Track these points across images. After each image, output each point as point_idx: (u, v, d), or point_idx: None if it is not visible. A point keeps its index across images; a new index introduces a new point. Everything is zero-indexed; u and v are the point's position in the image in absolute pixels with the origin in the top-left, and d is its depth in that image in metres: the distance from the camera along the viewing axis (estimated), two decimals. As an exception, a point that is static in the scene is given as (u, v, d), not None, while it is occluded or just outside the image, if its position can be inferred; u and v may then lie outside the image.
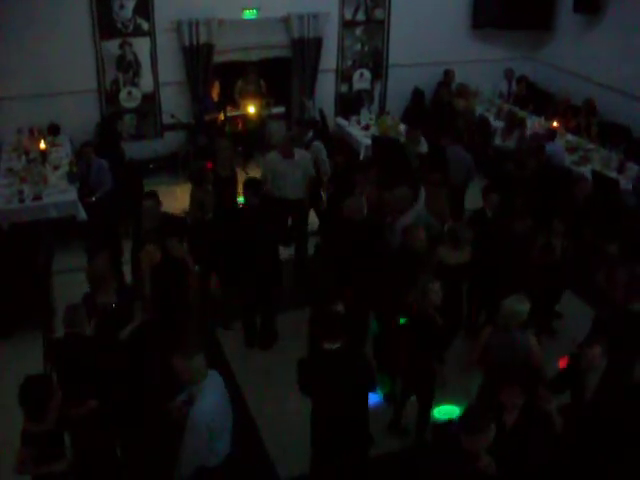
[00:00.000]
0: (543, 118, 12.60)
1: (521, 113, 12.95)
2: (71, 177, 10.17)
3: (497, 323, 6.15)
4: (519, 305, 6.02)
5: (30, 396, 4.87)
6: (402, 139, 11.92)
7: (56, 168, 10.62)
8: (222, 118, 12.48)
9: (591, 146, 11.72)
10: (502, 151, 11.16)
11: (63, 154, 11.16)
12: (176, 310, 7.02)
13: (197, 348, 5.07)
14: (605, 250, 9.54)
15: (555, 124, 11.88)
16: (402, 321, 6.54)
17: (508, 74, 14.24)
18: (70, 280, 8.59)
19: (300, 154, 9.33)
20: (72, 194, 9.95)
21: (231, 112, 12.76)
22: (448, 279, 7.04)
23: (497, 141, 11.40)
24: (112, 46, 12.03)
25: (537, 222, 8.11)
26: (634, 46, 12.10)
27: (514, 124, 11.45)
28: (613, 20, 12.73)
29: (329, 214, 9.25)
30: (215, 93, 12.62)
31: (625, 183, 10.25)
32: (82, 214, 9.80)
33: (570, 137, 12.04)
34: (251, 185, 8.09)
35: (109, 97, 12.38)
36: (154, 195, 7.99)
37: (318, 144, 10.02)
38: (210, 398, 4.96)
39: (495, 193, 8.22)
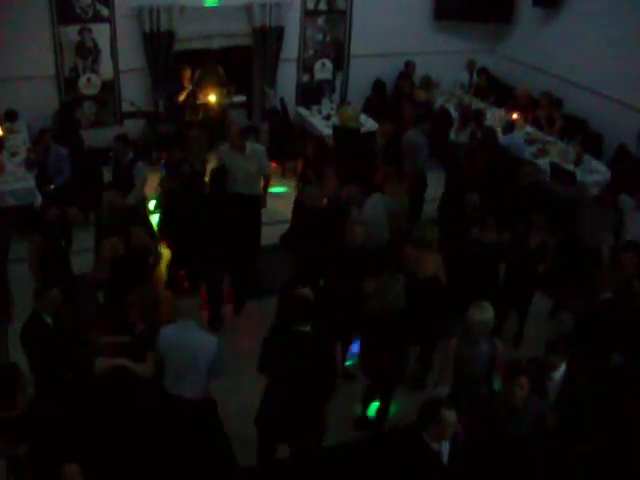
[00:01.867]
0: (503, 110, 12.71)
1: (481, 104, 13.09)
2: (29, 164, 10.03)
3: (465, 334, 6.00)
4: (485, 314, 5.90)
5: None
6: (363, 129, 12.04)
7: (13, 155, 10.46)
8: (182, 98, 12.39)
9: (549, 139, 11.88)
10: (455, 145, 11.21)
11: (20, 141, 10.97)
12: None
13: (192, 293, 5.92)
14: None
15: (515, 116, 12.01)
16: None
17: (470, 66, 14.34)
18: (27, 269, 8.49)
19: (252, 148, 9.14)
20: (30, 182, 9.82)
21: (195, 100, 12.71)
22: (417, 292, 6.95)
23: (452, 135, 11.48)
24: (71, 32, 11.83)
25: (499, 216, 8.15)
26: (592, 39, 12.26)
27: (467, 118, 11.54)
28: (571, 13, 12.89)
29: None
30: (186, 79, 12.49)
31: (581, 175, 10.43)
32: (40, 202, 9.67)
33: (529, 129, 12.19)
34: (217, 174, 8.12)
35: (68, 84, 12.19)
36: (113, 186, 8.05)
37: (259, 146, 9.59)
38: (164, 332, 5.74)
39: (475, 193, 8.11)
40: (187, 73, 12.47)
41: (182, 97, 12.38)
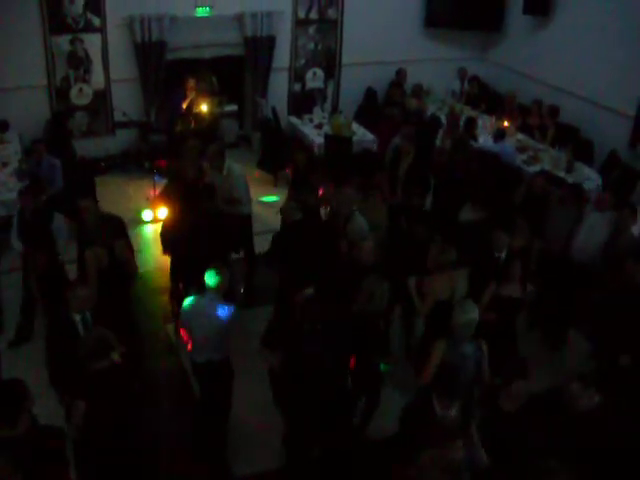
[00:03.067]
0: (494, 118, 12.75)
1: (473, 113, 13.12)
2: (20, 174, 10.01)
3: (451, 336, 5.99)
4: (469, 314, 5.91)
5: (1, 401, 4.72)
6: (354, 138, 12.07)
7: (5, 165, 10.45)
8: (185, 106, 12.40)
9: (541, 146, 11.91)
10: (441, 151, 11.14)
11: (12, 151, 10.96)
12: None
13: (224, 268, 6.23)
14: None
15: (505, 124, 12.03)
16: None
17: (461, 74, 14.39)
18: (16, 280, 8.45)
19: (229, 168, 8.88)
20: (21, 192, 9.78)
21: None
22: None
23: (438, 141, 11.52)
24: (63, 42, 11.84)
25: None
26: (582, 47, 12.31)
27: (456, 125, 11.56)
28: (561, 21, 12.93)
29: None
30: (190, 88, 12.45)
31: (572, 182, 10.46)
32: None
33: (520, 136, 12.22)
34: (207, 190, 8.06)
35: (59, 94, 12.19)
36: (89, 195, 7.96)
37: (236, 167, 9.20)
38: (190, 301, 6.34)
39: (502, 232, 7.49)
40: (191, 82, 12.44)
41: (185, 105, 12.38)
